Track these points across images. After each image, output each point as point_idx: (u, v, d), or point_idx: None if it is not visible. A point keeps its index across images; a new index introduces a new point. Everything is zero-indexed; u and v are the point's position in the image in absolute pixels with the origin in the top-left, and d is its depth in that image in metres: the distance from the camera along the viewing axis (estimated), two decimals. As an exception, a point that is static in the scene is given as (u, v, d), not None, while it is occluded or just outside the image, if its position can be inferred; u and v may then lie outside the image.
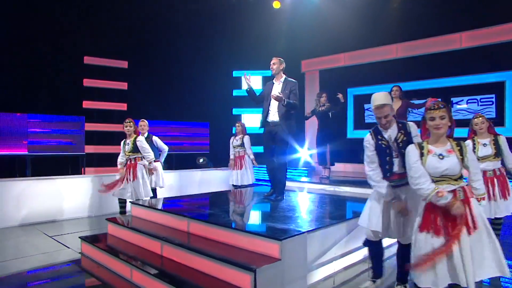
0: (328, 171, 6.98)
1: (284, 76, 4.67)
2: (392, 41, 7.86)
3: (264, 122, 4.63)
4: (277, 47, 9.69)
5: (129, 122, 5.17)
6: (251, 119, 10.65)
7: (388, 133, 2.89)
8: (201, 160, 9.19)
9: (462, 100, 7.82)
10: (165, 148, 6.00)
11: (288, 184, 6.25)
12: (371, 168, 2.93)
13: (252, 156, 6.80)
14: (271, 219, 3.66)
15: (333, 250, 3.45)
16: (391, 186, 2.86)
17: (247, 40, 10.04)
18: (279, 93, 4.45)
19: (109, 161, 9.13)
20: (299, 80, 9.50)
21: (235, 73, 10.77)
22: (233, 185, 6.95)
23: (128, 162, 5.20)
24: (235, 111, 10.74)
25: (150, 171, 5.26)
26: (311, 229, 3.23)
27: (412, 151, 2.63)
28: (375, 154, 2.92)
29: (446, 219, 2.45)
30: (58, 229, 5.44)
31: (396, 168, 2.84)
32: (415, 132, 2.89)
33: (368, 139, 2.97)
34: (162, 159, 6.03)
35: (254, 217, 3.86)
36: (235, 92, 10.75)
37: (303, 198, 5.16)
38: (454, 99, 7.91)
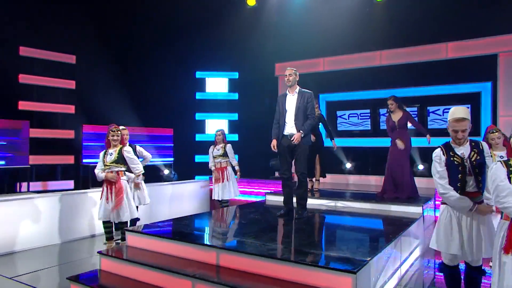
0: (318, 183, 6.90)
1: (298, 87, 4.67)
2: (376, 48, 8.07)
3: (280, 135, 4.65)
4: (249, 48, 9.50)
5: (117, 131, 4.78)
6: (216, 125, 10.28)
7: (461, 150, 2.91)
8: (166, 172, 8.55)
9: (438, 109, 8.31)
10: (149, 156, 5.48)
11: (278, 199, 6.16)
12: (442, 184, 2.90)
13: (237, 167, 6.48)
14: (316, 246, 3.41)
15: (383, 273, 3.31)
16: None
17: (213, 38, 9.68)
18: (292, 136, 4.53)
19: (52, 175, 8.13)
20: (271, 84, 9.59)
21: (198, 74, 10.33)
22: (216, 200, 6.54)
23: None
24: (198, 116, 10.30)
25: (137, 185, 4.93)
26: (371, 256, 3.04)
27: (499, 169, 2.59)
28: (445, 170, 2.91)
29: None
30: (14, 266, 4.54)
31: (469, 187, 2.86)
32: (488, 152, 2.94)
33: (438, 154, 2.96)
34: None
35: (295, 244, 3.56)
36: (198, 95, 10.30)
37: (317, 217, 4.99)
38: (431, 108, 8.38)
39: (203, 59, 10.06)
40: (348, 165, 8.46)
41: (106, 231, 4.90)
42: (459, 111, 2.90)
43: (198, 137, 10.20)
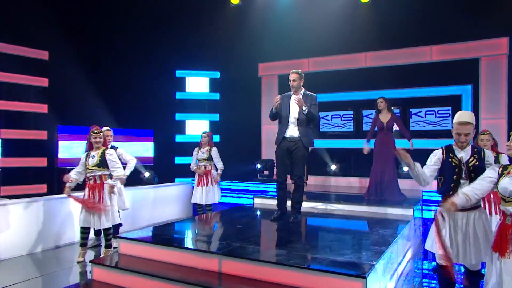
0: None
1: (303, 89, 4.69)
2: (362, 50, 8.23)
3: (280, 137, 4.64)
4: (231, 47, 9.46)
5: (99, 132, 4.68)
6: (197, 126, 10.18)
7: (461, 154, 3.02)
8: (147, 175, 8.35)
9: (421, 111, 8.58)
10: (133, 160, 5.29)
11: (267, 202, 6.20)
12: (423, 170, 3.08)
13: (220, 172, 6.39)
14: (319, 250, 3.43)
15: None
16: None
17: (194, 36, 9.57)
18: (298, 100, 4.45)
19: (24, 179, 7.77)
20: (255, 85, 9.59)
21: (179, 73, 10.18)
22: (196, 204, 6.45)
23: (91, 182, 4.62)
24: (178, 116, 10.15)
25: (112, 189, 4.71)
26: (377, 259, 3.09)
27: (492, 170, 2.71)
28: (435, 170, 3.10)
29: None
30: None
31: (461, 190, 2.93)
32: (491, 161, 3.03)
33: (437, 153, 3.12)
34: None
35: (298, 249, 3.55)
36: (179, 95, 10.16)
37: (311, 221, 5.06)
38: (413, 110, 8.63)
39: (183, 57, 9.91)
40: (333, 167, 8.57)
41: (82, 237, 4.75)
42: (465, 115, 3.01)
43: (178, 138, 10.06)
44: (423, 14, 7.40)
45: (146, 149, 9.27)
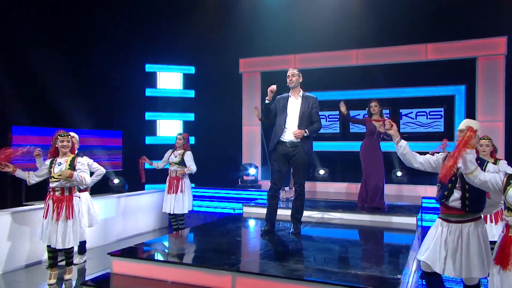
0: (292, 191, 7.09)
1: (301, 91, 4.80)
2: (354, 47, 8.47)
3: (276, 141, 4.68)
4: (209, 39, 9.45)
5: (67, 136, 4.52)
6: (169, 126, 10.08)
7: (460, 163, 3.16)
8: (116, 182, 8.17)
9: (411, 112, 8.96)
10: (102, 170, 5.20)
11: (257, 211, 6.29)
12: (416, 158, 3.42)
13: (188, 172, 6.28)
14: (338, 264, 3.54)
15: None
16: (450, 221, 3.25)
17: (167, 26, 9.49)
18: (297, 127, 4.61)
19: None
20: (235, 82, 9.62)
21: (148, 67, 10.02)
22: (169, 214, 6.43)
23: (57, 194, 4.46)
24: (148, 115, 9.99)
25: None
26: (399, 273, 3.26)
27: (497, 176, 2.89)
28: (428, 162, 3.39)
29: None
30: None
31: (453, 199, 3.23)
32: (495, 170, 3.18)
33: (439, 156, 3.39)
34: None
35: (315, 262, 3.66)
36: (148, 92, 9.99)
37: (313, 231, 5.20)
38: (403, 111, 8.99)
39: (154, 49, 9.74)
40: (322, 172, 8.76)
41: (49, 257, 4.62)
42: (463, 122, 3.28)
43: (149, 140, 9.90)
44: (419, 10, 7.74)
45: (115, 152, 9.06)
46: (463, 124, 3.25)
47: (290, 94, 4.79)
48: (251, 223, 5.83)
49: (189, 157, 6.34)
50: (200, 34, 9.41)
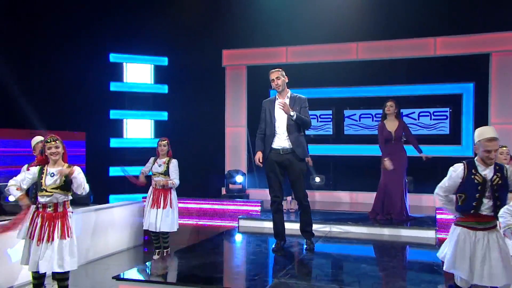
0: (295, 203, 7.17)
1: (289, 92, 5.00)
2: (354, 39, 8.69)
3: (268, 149, 4.89)
4: (185, 25, 9.43)
5: (54, 142, 4.29)
6: (138, 127, 9.99)
7: (485, 171, 3.46)
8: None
9: (413, 112, 9.26)
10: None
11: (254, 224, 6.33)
12: (442, 197, 3.60)
13: (171, 186, 6.26)
14: (377, 284, 3.67)
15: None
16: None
17: (135, 9, 9.39)
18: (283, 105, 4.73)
19: None
20: (216, 76, 9.62)
21: (113, 57, 9.89)
22: (151, 232, 6.35)
23: (49, 210, 4.28)
24: (113, 113, 9.84)
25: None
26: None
27: None
28: (455, 187, 3.54)
29: None
30: None
31: (483, 209, 3.44)
32: None
33: (457, 169, 3.54)
34: None
35: (349, 283, 3.78)
36: (113, 86, 9.85)
37: (327, 247, 5.36)
38: (405, 111, 9.28)
39: (120, 36, 9.66)
40: (318, 180, 8.91)
41: (34, 284, 4.43)
42: (491, 131, 3.47)
43: (114, 143, 9.78)
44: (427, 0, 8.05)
45: (77, 157, 8.87)
46: (491, 131, 3.45)
47: (277, 97, 4.97)
48: (255, 238, 5.92)
49: (174, 167, 6.29)
50: (176, 19, 9.39)
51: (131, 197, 8.76)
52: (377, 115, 9.28)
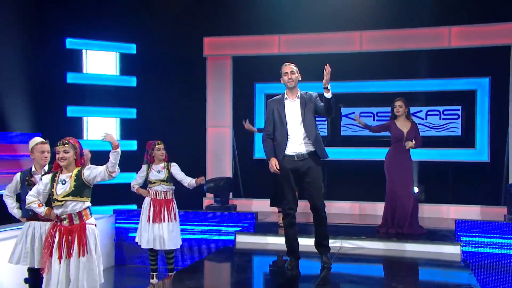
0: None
1: (299, 90, 5.22)
2: (357, 28, 8.96)
3: (281, 155, 5.07)
4: (158, 7, 9.42)
5: (62, 146, 4.37)
6: (101, 127, 9.94)
7: None
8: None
9: (421, 110, 9.58)
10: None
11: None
12: None
13: (196, 180, 6.44)
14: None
15: None
16: None
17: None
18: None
19: None
20: (196, 68, 9.68)
21: (70, 43, 9.79)
22: (150, 250, 6.42)
23: (65, 223, 4.25)
24: (71, 110, 9.75)
25: None
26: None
27: None
28: None
29: None
30: None
31: None
32: None
33: None
34: None
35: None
36: (71, 77, 9.76)
37: (344, 266, 5.63)
38: (411, 109, 9.41)
39: (79, 18, 9.60)
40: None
41: None
42: None
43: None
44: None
45: (26, 163, 8.75)
46: None
47: (286, 96, 5.19)
48: (254, 256, 6.10)
49: (178, 169, 6.45)
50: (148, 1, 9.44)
51: (97, 209, 8.73)
52: (379, 114, 9.58)
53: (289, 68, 5.09)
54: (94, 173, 4.28)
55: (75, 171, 4.36)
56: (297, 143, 5.01)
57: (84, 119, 9.90)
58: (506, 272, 6.16)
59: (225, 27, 9.47)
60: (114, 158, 4.19)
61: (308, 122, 5.02)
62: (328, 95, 4.86)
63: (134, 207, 8.76)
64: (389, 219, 6.92)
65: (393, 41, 8.98)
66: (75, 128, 9.79)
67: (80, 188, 4.31)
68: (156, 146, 6.50)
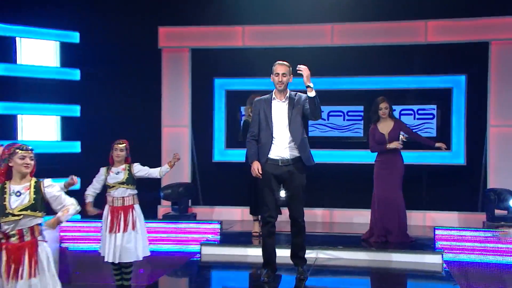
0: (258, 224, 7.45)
1: (288, 91, 5.38)
2: (329, 20, 9.12)
3: (263, 159, 5.24)
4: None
5: (30, 151, 4.27)
6: (38, 126, 9.89)
7: None
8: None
9: (394, 110, 9.78)
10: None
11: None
12: None
13: (167, 166, 6.39)
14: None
15: None
16: None
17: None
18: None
19: None
20: (150, 61, 9.64)
21: (1, 30, 9.55)
22: (112, 264, 6.36)
23: (13, 239, 4.07)
24: (2, 107, 9.53)
25: None
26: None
27: None
28: None
29: None
30: None
31: None
32: None
33: None
34: None
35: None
36: (2, 69, 9.57)
37: (320, 280, 5.78)
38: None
39: (9, 1, 9.45)
40: (282, 194, 9.23)
41: None
42: None
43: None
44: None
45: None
46: None
47: (274, 96, 5.34)
48: (228, 270, 6.21)
49: (140, 166, 6.24)
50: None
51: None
52: (349, 113, 9.82)
53: (282, 69, 5.21)
54: (56, 199, 4.15)
55: (32, 182, 4.29)
56: (282, 147, 5.18)
57: (19, 117, 9.68)
58: (487, 279, 6.36)
59: (183, 16, 9.48)
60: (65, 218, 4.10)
61: (295, 125, 5.15)
62: (311, 93, 5.00)
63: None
64: (376, 228, 7.12)
65: (367, 35, 9.18)
66: (7, 127, 9.53)
67: (39, 202, 4.26)
68: (114, 145, 6.39)
